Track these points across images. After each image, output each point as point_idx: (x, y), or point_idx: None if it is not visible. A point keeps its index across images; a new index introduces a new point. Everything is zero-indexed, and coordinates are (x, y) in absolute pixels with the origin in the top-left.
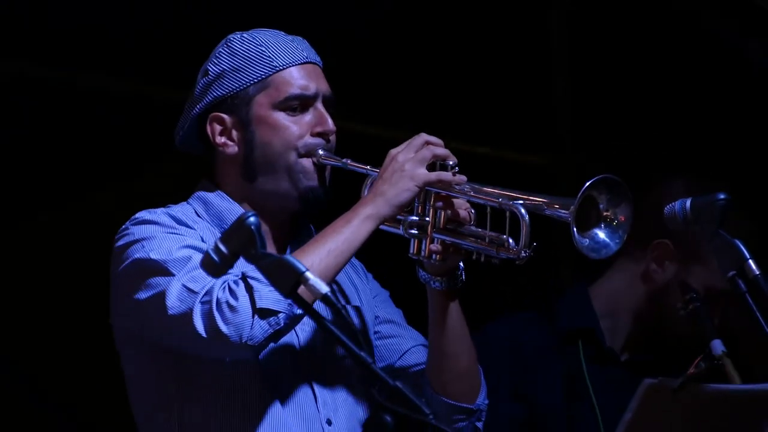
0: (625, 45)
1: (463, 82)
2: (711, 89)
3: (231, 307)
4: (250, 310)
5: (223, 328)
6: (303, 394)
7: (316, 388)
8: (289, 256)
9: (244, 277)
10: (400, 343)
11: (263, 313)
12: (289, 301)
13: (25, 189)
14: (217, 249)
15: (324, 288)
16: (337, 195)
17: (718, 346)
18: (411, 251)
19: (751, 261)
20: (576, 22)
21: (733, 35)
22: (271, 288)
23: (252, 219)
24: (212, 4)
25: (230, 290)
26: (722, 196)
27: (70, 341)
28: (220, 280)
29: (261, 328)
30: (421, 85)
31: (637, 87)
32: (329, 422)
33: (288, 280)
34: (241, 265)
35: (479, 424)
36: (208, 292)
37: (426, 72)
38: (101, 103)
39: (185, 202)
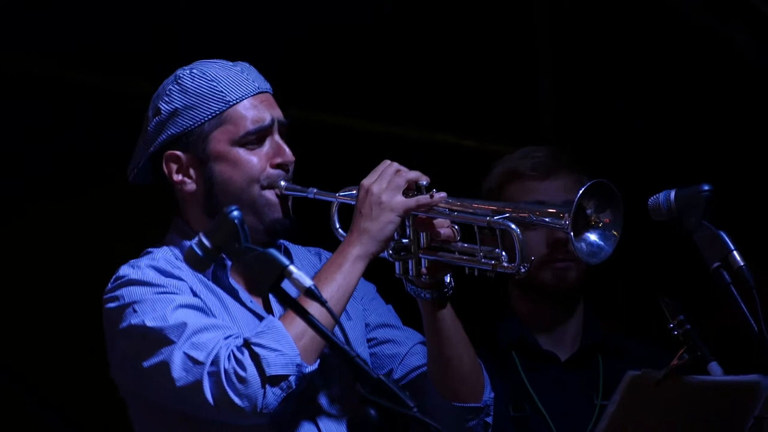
0: (608, 37)
1: (450, 75)
2: (695, 81)
3: (240, 379)
4: (259, 380)
5: (236, 400)
6: (308, 431)
7: (320, 422)
8: (272, 250)
9: (248, 344)
10: (397, 348)
11: (273, 381)
12: (298, 361)
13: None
14: (200, 243)
15: (308, 281)
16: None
17: (716, 368)
18: (398, 272)
19: (735, 252)
20: (561, 16)
21: (720, 28)
22: (277, 352)
23: (235, 213)
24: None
25: (236, 360)
26: (706, 188)
27: (58, 340)
28: (223, 347)
29: (274, 394)
30: (408, 79)
31: (621, 80)
32: None
33: (271, 274)
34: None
35: (488, 419)
36: (214, 362)
37: (413, 66)
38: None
39: (165, 246)
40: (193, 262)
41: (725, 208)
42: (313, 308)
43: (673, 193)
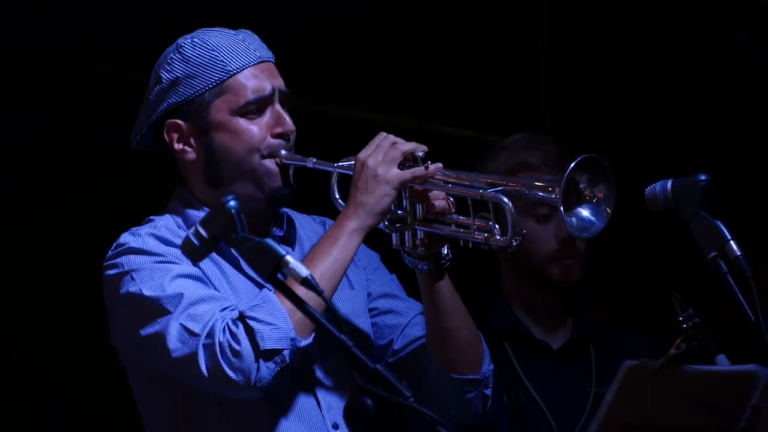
0: (609, 37)
1: (451, 76)
2: (695, 81)
3: (235, 352)
4: (253, 354)
5: (230, 374)
6: (306, 403)
7: (319, 394)
8: (269, 240)
9: (243, 317)
10: (398, 318)
11: (267, 355)
12: (292, 335)
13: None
14: (197, 233)
15: (304, 271)
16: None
17: (723, 360)
18: (395, 243)
19: (732, 242)
20: (561, 16)
21: (720, 28)
22: (272, 326)
23: (232, 203)
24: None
25: (231, 333)
26: (703, 177)
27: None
28: (219, 320)
29: (267, 368)
30: (407, 69)
31: (621, 80)
32: (336, 426)
33: (269, 264)
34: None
35: (487, 391)
36: (210, 335)
37: (413, 56)
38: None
39: (167, 214)
40: (190, 251)
41: (725, 204)
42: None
43: (669, 183)
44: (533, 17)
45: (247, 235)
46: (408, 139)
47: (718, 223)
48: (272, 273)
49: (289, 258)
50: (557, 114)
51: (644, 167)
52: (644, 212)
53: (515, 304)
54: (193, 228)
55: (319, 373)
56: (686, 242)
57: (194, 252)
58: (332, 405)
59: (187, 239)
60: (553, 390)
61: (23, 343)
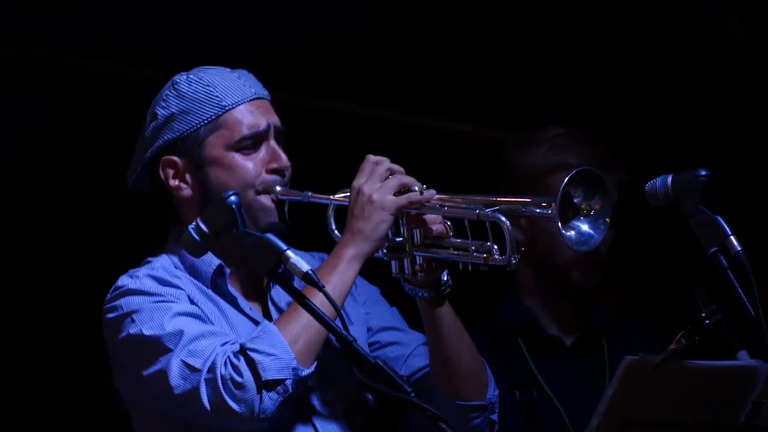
0: (609, 37)
1: (450, 77)
2: (695, 80)
3: (237, 384)
4: (255, 386)
5: (233, 406)
6: None
7: (318, 423)
8: (270, 235)
9: (243, 350)
10: (401, 350)
11: (270, 385)
12: (294, 365)
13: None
14: (198, 228)
15: (305, 266)
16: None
17: (745, 356)
18: (394, 271)
19: (732, 237)
20: (561, 16)
21: (720, 27)
22: (273, 356)
23: (232, 198)
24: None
25: (233, 366)
26: (703, 172)
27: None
28: (220, 354)
29: (270, 399)
30: (408, 69)
31: (621, 80)
32: None
33: (269, 259)
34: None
35: (494, 417)
36: (211, 369)
37: (413, 56)
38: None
39: (164, 255)
40: (191, 247)
41: (726, 200)
42: (306, 315)
43: (670, 178)
44: (533, 17)
45: (247, 230)
46: (406, 139)
47: (719, 218)
48: (273, 268)
49: (289, 253)
50: (557, 114)
51: (644, 167)
52: (645, 212)
53: (528, 298)
54: (193, 223)
55: (319, 406)
56: (687, 238)
57: (195, 247)
58: None
59: (187, 234)
60: (567, 386)
61: (23, 342)
